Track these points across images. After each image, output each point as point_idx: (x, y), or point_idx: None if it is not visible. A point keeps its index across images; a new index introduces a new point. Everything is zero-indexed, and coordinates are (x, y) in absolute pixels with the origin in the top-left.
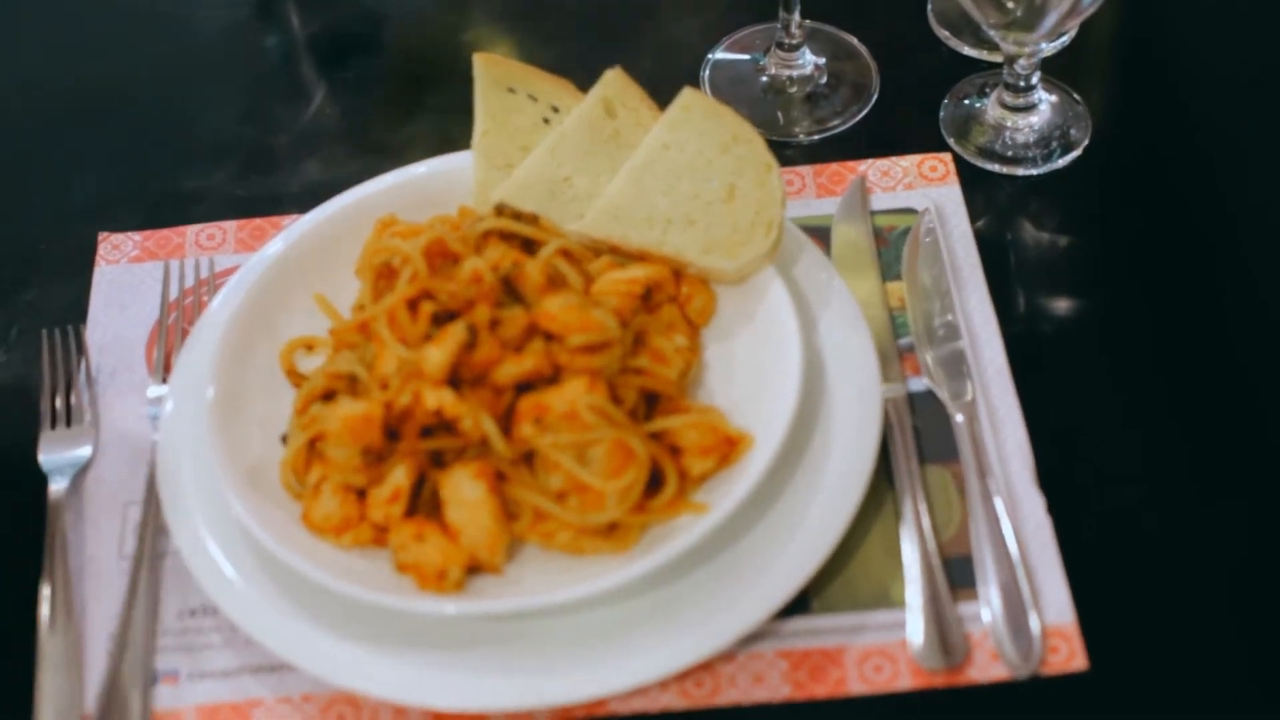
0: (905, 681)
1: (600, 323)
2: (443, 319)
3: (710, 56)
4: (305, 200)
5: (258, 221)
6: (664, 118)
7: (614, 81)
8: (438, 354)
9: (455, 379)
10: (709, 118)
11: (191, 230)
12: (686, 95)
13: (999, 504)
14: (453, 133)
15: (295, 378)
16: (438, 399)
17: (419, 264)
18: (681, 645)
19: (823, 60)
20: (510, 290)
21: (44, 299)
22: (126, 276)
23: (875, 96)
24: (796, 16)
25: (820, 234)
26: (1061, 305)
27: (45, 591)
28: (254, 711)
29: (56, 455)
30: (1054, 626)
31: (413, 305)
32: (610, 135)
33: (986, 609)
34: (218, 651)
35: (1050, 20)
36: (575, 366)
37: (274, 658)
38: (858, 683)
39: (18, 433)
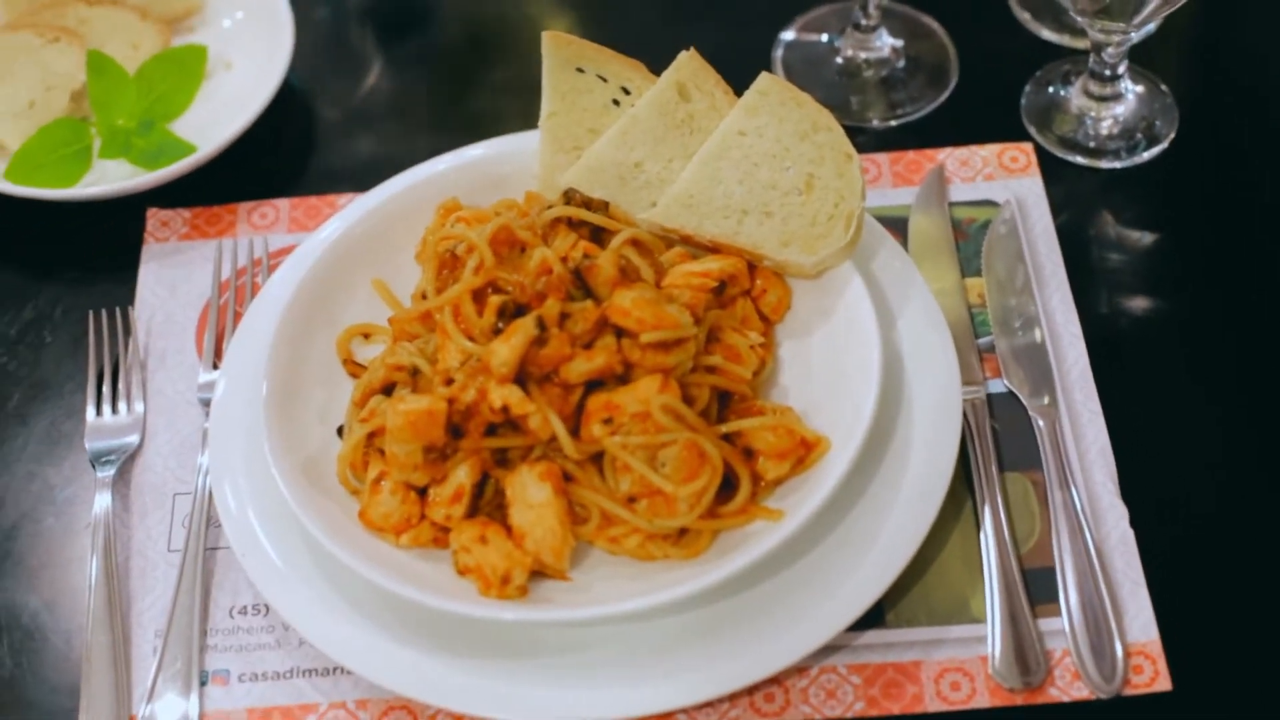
0: (983, 700)
1: (675, 319)
2: (510, 312)
3: (782, 36)
4: (360, 178)
5: (312, 200)
6: (740, 103)
7: (688, 64)
8: (505, 350)
9: (522, 375)
10: (787, 104)
11: (243, 208)
12: (764, 80)
13: (1082, 515)
14: (512, 111)
15: (352, 367)
16: (504, 396)
17: (486, 254)
18: (751, 658)
19: (900, 43)
20: (580, 282)
21: (92, 276)
22: (176, 255)
23: (954, 82)
24: None
25: (896, 224)
26: (1145, 305)
27: (91, 586)
28: (306, 716)
29: (103, 442)
30: (1137, 645)
31: (478, 296)
32: (683, 120)
33: (1068, 625)
34: (270, 652)
35: (1146, 9)
36: (647, 364)
37: (328, 661)
38: (934, 700)
39: (63, 418)
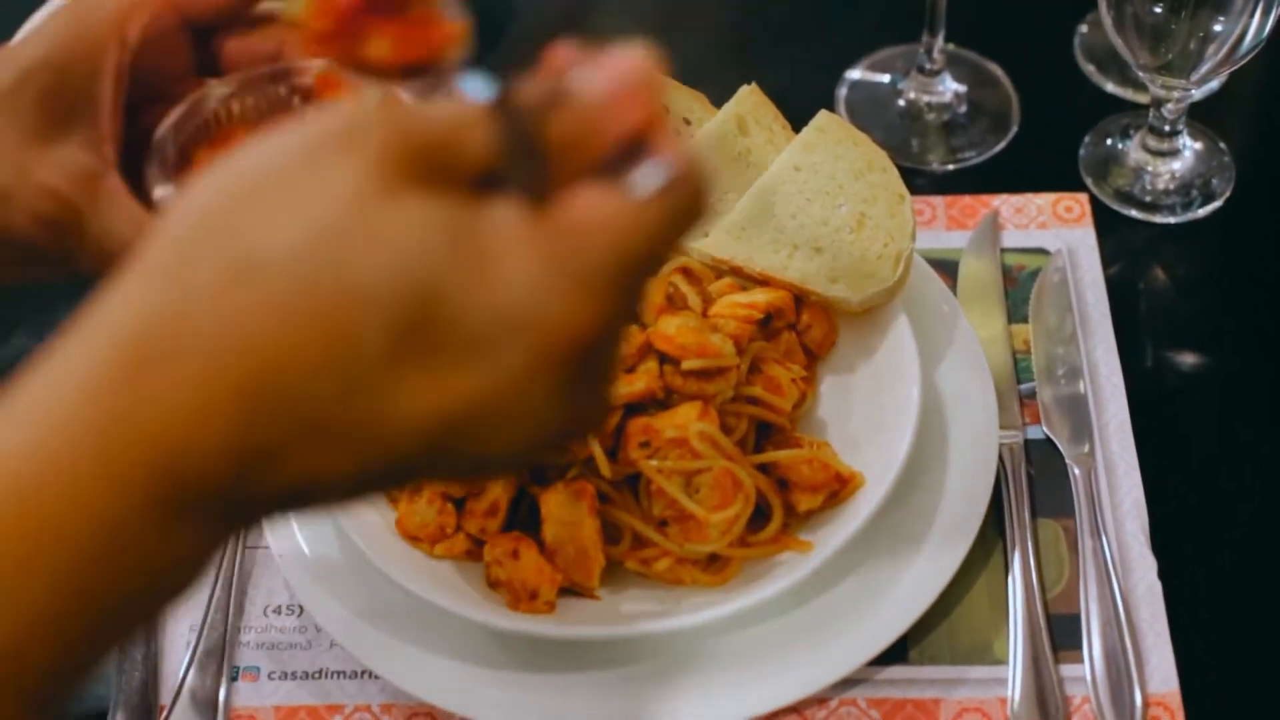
0: None
1: (718, 348)
2: None
3: (848, 75)
4: None
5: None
6: (798, 139)
7: (748, 98)
8: None
9: None
10: (844, 142)
11: None
12: (822, 118)
13: (1110, 564)
14: None
15: None
16: None
17: None
18: (773, 685)
19: (963, 88)
20: None
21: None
22: None
23: (1015, 130)
24: (939, 41)
25: (948, 267)
26: (1189, 362)
27: None
28: (332, 716)
29: None
30: (1157, 696)
31: None
32: (741, 153)
33: (1089, 672)
34: (301, 652)
35: (1204, 67)
36: (688, 391)
37: (356, 664)
38: None
39: None
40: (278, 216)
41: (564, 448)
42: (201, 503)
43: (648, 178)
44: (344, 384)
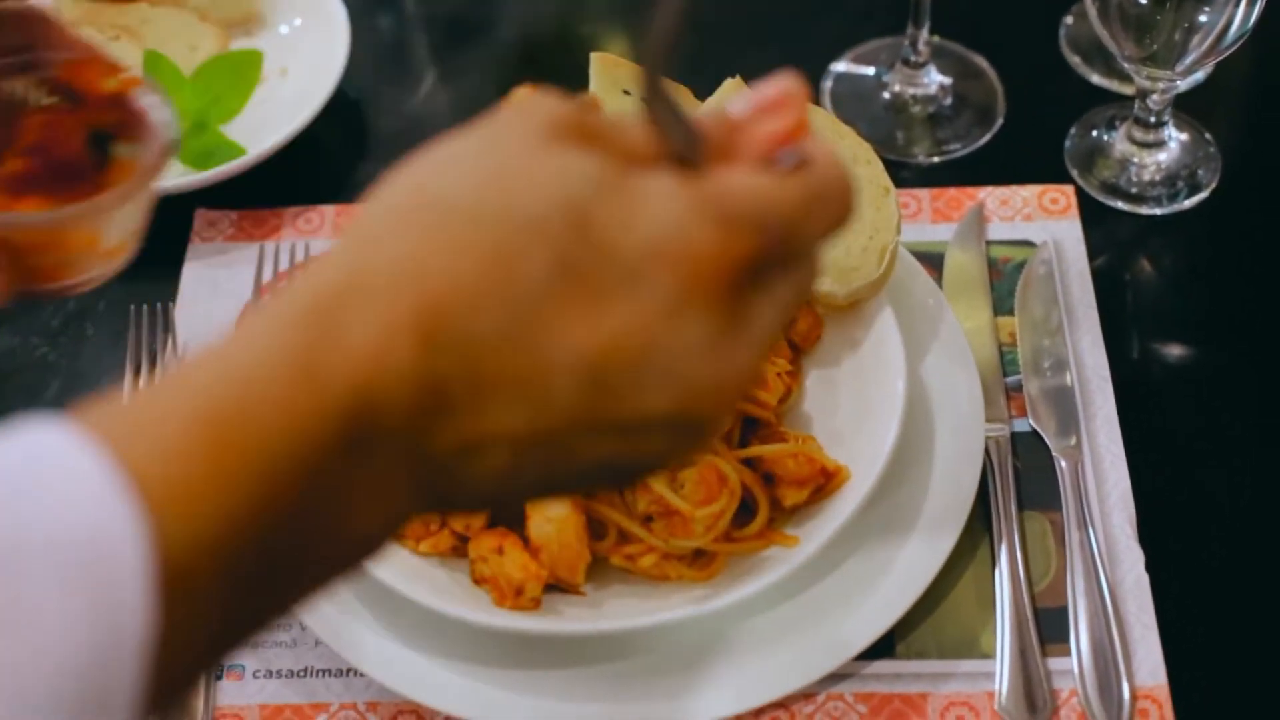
0: None
1: None
2: None
3: (833, 68)
4: None
5: (357, 208)
6: None
7: (732, 91)
8: None
9: None
10: (828, 135)
11: (289, 212)
12: None
13: (1097, 557)
14: None
15: None
16: None
17: None
18: (759, 681)
19: (948, 80)
20: None
21: (137, 271)
22: (220, 255)
23: (1000, 122)
24: (925, 33)
25: (933, 260)
26: (1176, 353)
27: None
28: (317, 715)
29: None
30: (1144, 689)
31: None
32: None
33: (1076, 665)
34: (285, 650)
35: (1189, 58)
36: None
37: (341, 662)
38: None
39: None
40: (457, 170)
41: (719, 409)
42: (390, 442)
43: (787, 157)
44: (509, 313)
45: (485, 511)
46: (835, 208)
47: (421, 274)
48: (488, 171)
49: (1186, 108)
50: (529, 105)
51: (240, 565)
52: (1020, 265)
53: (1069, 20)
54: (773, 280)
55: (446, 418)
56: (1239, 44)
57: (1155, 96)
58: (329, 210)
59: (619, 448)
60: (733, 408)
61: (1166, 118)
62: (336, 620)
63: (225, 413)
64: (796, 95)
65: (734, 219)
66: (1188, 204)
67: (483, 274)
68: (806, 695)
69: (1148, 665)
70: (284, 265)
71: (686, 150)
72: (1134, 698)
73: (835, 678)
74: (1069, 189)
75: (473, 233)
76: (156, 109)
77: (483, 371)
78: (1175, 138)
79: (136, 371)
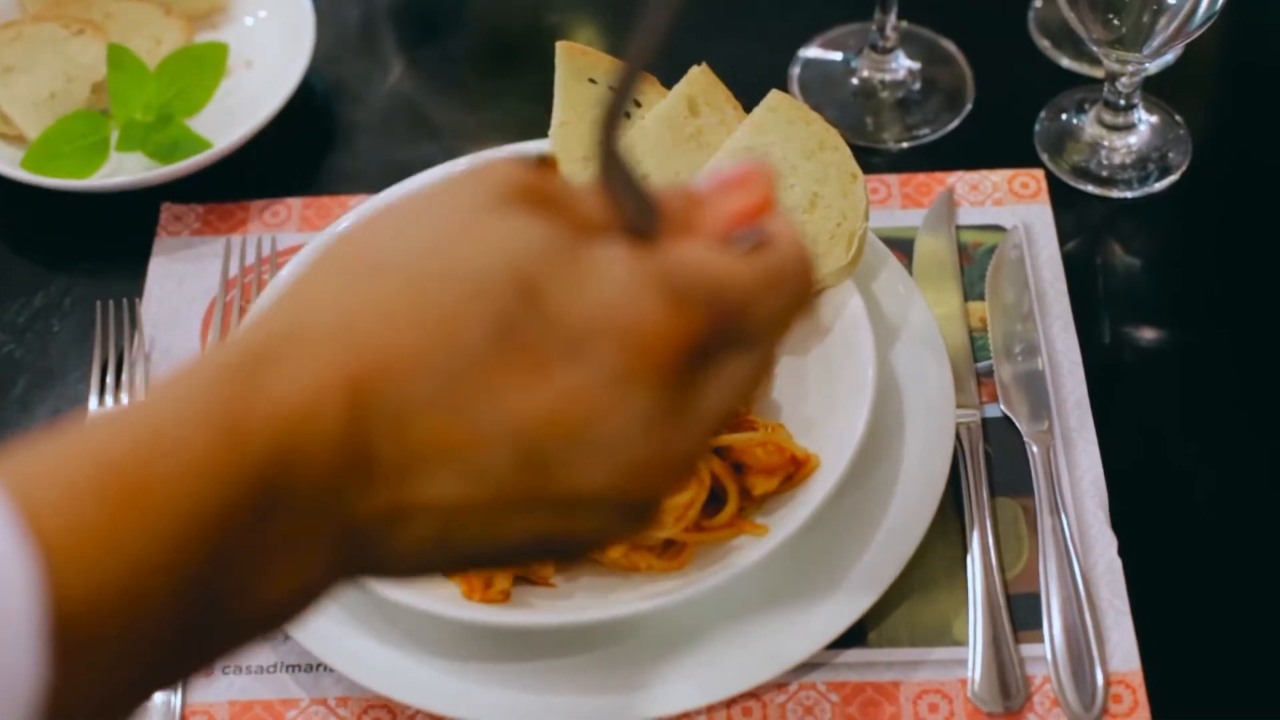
0: None
1: None
2: None
3: (801, 54)
4: (374, 180)
5: (324, 200)
6: (749, 119)
7: (699, 79)
8: None
9: None
10: (795, 122)
11: (256, 205)
12: (774, 97)
13: (1070, 542)
14: (533, 118)
15: None
16: None
17: None
18: (731, 671)
19: (917, 65)
20: None
21: (103, 267)
22: (187, 250)
23: (969, 106)
24: (892, 18)
25: (903, 246)
26: (1147, 336)
27: None
28: (288, 711)
29: None
30: (1118, 674)
31: None
32: (692, 134)
33: (1050, 651)
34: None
35: (1156, 40)
36: None
37: (312, 657)
38: None
39: (66, 407)
40: (405, 232)
41: (658, 490)
42: (307, 503)
43: (746, 236)
44: (445, 380)
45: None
46: (794, 289)
47: (359, 336)
48: (435, 235)
49: (1156, 90)
50: (484, 168)
51: (144, 621)
52: (991, 250)
53: (1037, 4)
54: (725, 361)
55: (372, 484)
56: (1207, 25)
57: (1124, 79)
58: (296, 203)
59: (554, 524)
60: (673, 489)
61: (1136, 100)
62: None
63: (132, 461)
64: (761, 175)
65: (685, 294)
66: (1158, 187)
67: (421, 338)
68: (778, 685)
69: (1121, 651)
70: (251, 259)
71: (641, 221)
72: (1107, 683)
73: (807, 667)
74: (1039, 173)
75: (414, 296)
76: None
77: (413, 439)
78: (1145, 120)
79: (103, 368)
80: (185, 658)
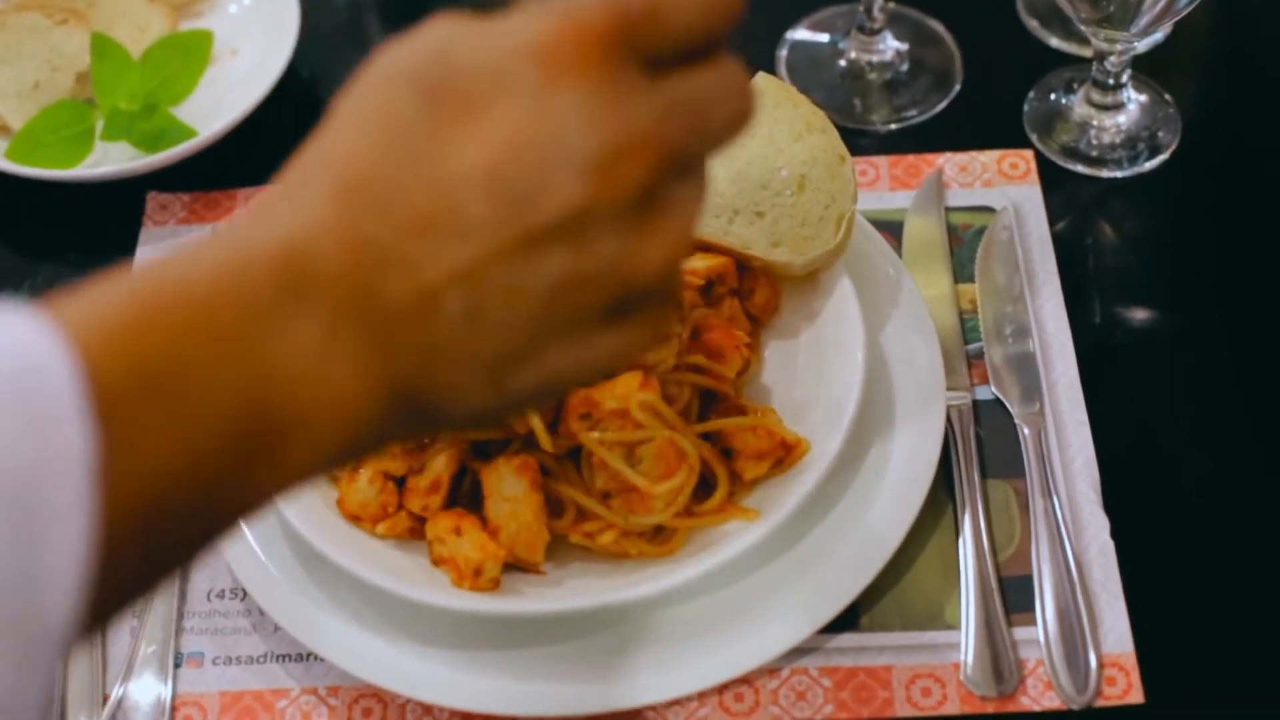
0: (953, 707)
1: None
2: None
3: (788, 36)
4: None
5: None
6: None
7: None
8: None
9: None
10: (782, 105)
11: (242, 194)
12: (760, 80)
13: (1062, 525)
14: None
15: None
16: None
17: None
18: (722, 656)
19: (905, 46)
20: None
21: (89, 257)
22: (173, 239)
23: (958, 87)
24: None
25: (892, 228)
26: (1138, 317)
27: None
28: (278, 701)
29: None
30: (1111, 657)
31: None
32: None
33: (1042, 634)
34: (245, 636)
35: (1144, 18)
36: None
37: (302, 647)
38: (904, 705)
39: None
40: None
41: (638, 172)
42: (330, 295)
43: None
44: (402, 156)
45: (439, 494)
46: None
47: (329, 159)
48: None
49: (1145, 69)
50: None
51: (179, 400)
52: (980, 231)
53: None
54: (667, 72)
55: (388, 271)
56: (1195, 3)
57: (1113, 58)
58: None
59: (573, 260)
60: (656, 171)
61: (1125, 80)
62: (295, 605)
63: (151, 273)
64: None
65: (582, 4)
66: (1148, 166)
67: (371, 134)
68: (770, 670)
69: (1114, 633)
70: None
71: None
72: (1101, 666)
73: (799, 652)
74: (1028, 154)
75: (358, 104)
76: None
77: (401, 217)
78: (1134, 99)
79: None
80: (237, 465)
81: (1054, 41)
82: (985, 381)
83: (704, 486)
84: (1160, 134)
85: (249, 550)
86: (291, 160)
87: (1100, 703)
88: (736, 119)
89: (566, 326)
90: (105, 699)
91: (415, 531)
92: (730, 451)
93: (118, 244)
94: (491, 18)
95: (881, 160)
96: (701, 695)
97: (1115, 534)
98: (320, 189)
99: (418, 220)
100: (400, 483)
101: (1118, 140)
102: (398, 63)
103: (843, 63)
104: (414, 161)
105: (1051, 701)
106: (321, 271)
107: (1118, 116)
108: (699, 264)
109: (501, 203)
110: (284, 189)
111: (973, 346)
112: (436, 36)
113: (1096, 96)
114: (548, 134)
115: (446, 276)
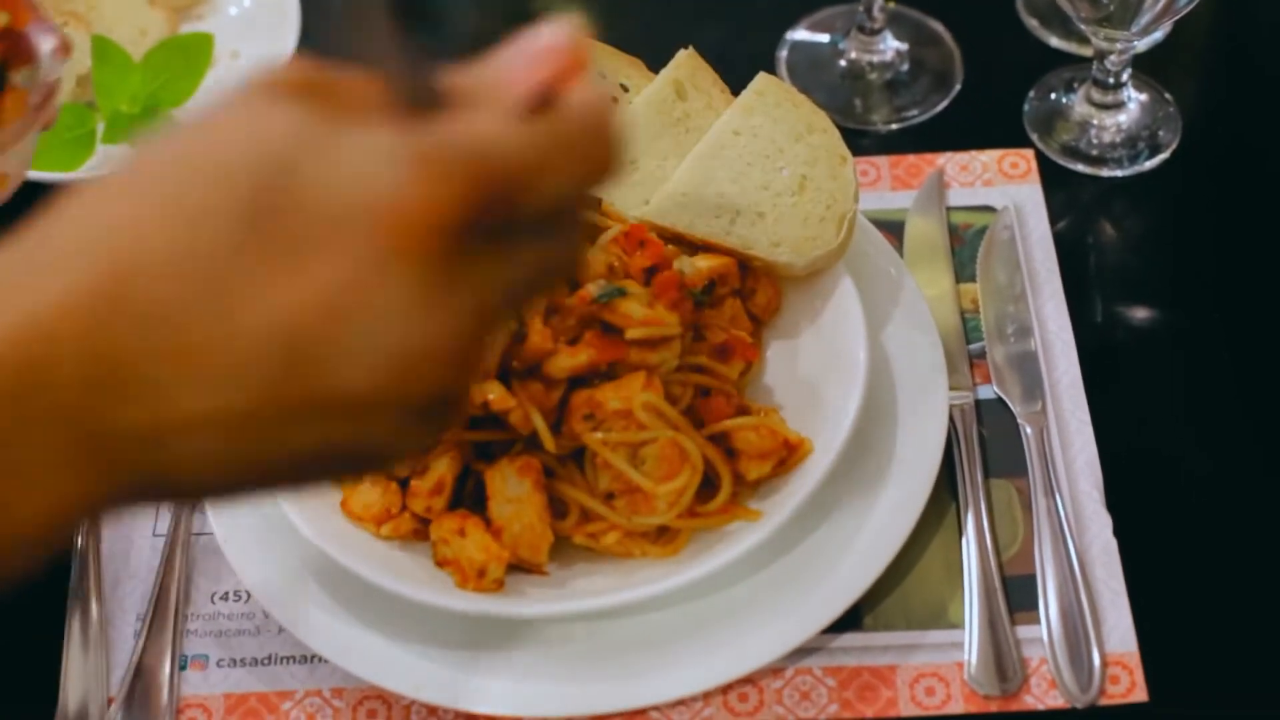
0: (957, 706)
1: (661, 317)
2: None
3: (789, 36)
4: None
5: None
6: (736, 103)
7: (686, 62)
8: None
9: (506, 370)
10: (783, 105)
11: None
12: (761, 80)
13: (1065, 524)
14: None
15: None
16: (486, 391)
17: None
18: (727, 657)
19: (905, 46)
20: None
21: None
22: None
23: (958, 87)
24: None
25: (893, 228)
26: (1141, 316)
27: (74, 568)
28: (283, 703)
29: None
30: (1115, 655)
31: None
32: (679, 118)
33: (1046, 633)
34: (249, 638)
35: (1144, 18)
36: (632, 361)
37: (306, 648)
38: (908, 705)
39: None
40: (178, 136)
41: (434, 384)
42: (56, 417)
43: (529, 103)
44: (194, 279)
45: (443, 496)
46: (586, 158)
47: (110, 240)
48: (194, 132)
49: (1146, 68)
50: (259, 73)
51: None
52: (981, 231)
53: None
54: (513, 241)
55: (125, 396)
56: (1195, 2)
57: (1113, 57)
58: None
59: (341, 432)
60: (454, 383)
61: (1125, 79)
62: (299, 607)
63: None
64: (565, 44)
65: (441, 165)
66: (1149, 165)
67: (169, 238)
68: (774, 670)
69: (1118, 632)
70: None
71: (420, 100)
72: (1104, 664)
73: (803, 651)
74: (1029, 153)
75: (161, 194)
76: (48, 37)
77: (165, 345)
78: (1135, 98)
79: None
80: None
81: (1054, 41)
82: (987, 381)
83: (707, 487)
84: (1160, 133)
85: (252, 552)
86: (76, 191)
87: (1104, 701)
88: (552, 288)
89: (331, 471)
90: (110, 702)
91: (419, 533)
92: (733, 451)
93: None
94: (363, 123)
95: (882, 160)
96: (706, 695)
97: (1118, 532)
98: (89, 279)
99: (186, 352)
100: (404, 484)
101: (1118, 139)
102: (244, 155)
103: (843, 63)
104: (208, 292)
105: (1055, 700)
106: (55, 390)
107: (1118, 116)
108: (702, 264)
109: (289, 362)
110: (48, 249)
111: (974, 346)
112: (296, 139)
113: (1097, 96)
114: (360, 314)
115: (197, 417)
